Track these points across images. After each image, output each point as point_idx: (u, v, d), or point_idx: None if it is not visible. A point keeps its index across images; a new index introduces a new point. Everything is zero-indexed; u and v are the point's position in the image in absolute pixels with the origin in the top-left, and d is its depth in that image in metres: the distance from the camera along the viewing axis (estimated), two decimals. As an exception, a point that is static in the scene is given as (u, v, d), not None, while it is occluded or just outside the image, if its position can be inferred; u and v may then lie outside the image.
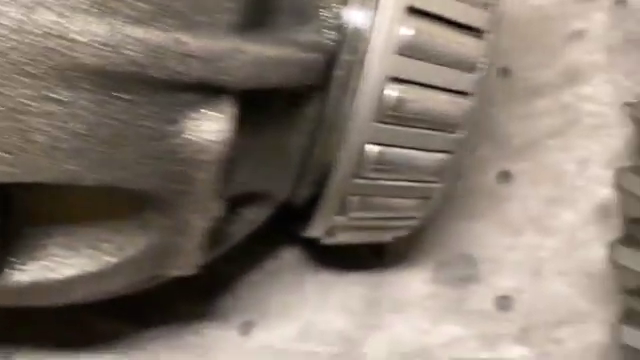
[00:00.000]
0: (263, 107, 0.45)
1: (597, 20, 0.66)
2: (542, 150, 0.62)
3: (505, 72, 0.65)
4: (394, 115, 0.46)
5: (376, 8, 0.45)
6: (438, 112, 0.46)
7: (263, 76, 0.42)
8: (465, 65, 0.46)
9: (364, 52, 0.45)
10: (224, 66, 0.40)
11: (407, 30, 0.44)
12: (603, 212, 0.59)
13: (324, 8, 0.46)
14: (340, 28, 0.46)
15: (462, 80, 0.46)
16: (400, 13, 0.44)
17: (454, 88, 0.46)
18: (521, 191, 0.61)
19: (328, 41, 0.46)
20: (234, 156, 0.45)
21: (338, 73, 0.46)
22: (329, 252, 0.58)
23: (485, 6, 0.47)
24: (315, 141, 0.48)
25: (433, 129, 0.47)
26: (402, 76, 0.45)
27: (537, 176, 0.61)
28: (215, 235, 0.48)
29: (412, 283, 0.59)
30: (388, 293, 0.59)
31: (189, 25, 0.39)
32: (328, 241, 0.54)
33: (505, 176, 0.61)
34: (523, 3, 0.68)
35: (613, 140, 0.61)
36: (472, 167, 0.62)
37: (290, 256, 0.60)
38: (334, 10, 0.46)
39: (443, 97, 0.46)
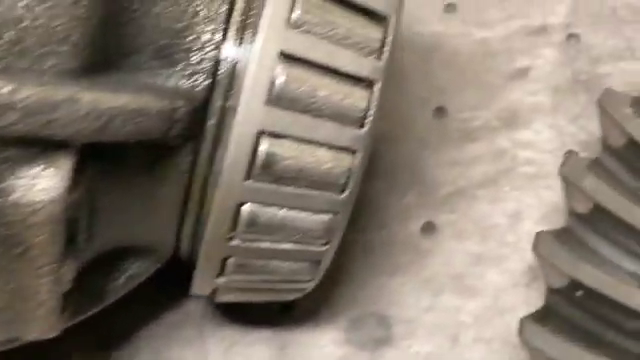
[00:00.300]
0: (125, 158, 0.40)
1: (545, 57, 0.61)
2: (471, 201, 0.56)
3: (440, 112, 0.60)
4: (267, 172, 0.41)
5: (250, 51, 0.40)
6: (318, 170, 0.41)
7: (106, 129, 0.37)
8: (350, 119, 0.41)
9: (236, 100, 0.40)
10: (53, 119, 0.35)
11: (279, 77, 0.39)
12: (533, 274, 0.53)
13: (195, 50, 0.41)
14: (213, 72, 0.41)
15: (346, 135, 0.41)
16: (271, 58, 0.39)
17: (337, 144, 0.41)
18: (445, 245, 0.55)
19: (199, 87, 0.41)
20: (89, 211, 0.40)
21: (210, 122, 0.41)
22: (235, 305, 0.53)
23: (376, 53, 0.41)
24: (189, 195, 0.43)
25: (313, 188, 0.42)
26: (274, 129, 0.40)
27: (463, 229, 0.55)
28: (82, 293, 0.44)
29: (322, 344, 0.54)
30: (296, 354, 0.54)
31: (9, 72, 0.34)
32: (217, 300, 0.49)
33: (430, 228, 0.56)
34: (466, 36, 0.62)
35: (550, 193, 0.55)
36: (396, 216, 0.56)
37: (194, 308, 0.55)
38: (207, 51, 0.41)
39: (324, 154, 0.41)
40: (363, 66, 0.41)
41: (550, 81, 0.60)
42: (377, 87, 0.41)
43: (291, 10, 0.40)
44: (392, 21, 0.42)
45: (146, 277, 0.48)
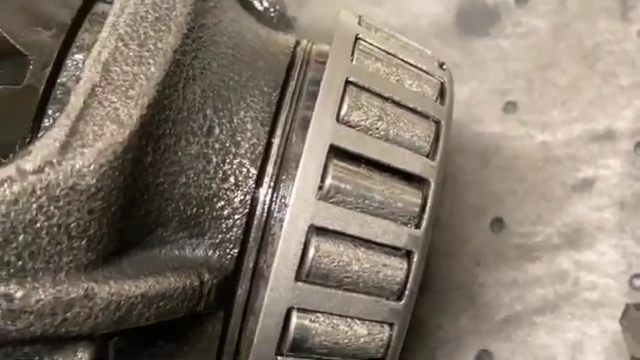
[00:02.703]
0: (150, 332, 0.39)
1: (610, 167, 0.57)
2: (528, 328, 0.53)
3: (497, 224, 0.57)
4: (299, 347, 0.38)
5: (280, 221, 0.38)
6: (354, 346, 0.39)
7: (126, 318, 0.35)
8: (387, 291, 0.39)
9: (266, 273, 0.38)
10: (68, 317, 0.34)
11: (309, 251, 0.37)
12: (594, 414, 0.50)
13: (225, 218, 0.39)
14: (243, 241, 0.39)
15: (384, 308, 0.39)
16: (301, 232, 0.37)
17: (373, 318, 0.39)
18: (501, 378, 0.52)
19: (228, 256, 0.39)
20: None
21: (240, 292, 0.40)
22: None
23: (414, 220, 0.39)
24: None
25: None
26: (306, 306, 0.38)
27: (520, 361, 0.52)
28: None
29: None
30: None
31: (23, 274, 0.33)
32: None
33: (485, 356, 0.53)
34: (526, 138, 0.59)
35: (613, 324, 0.51)
36: (449, 341, 0.54)
37: None
38: (237, 218, 0.39)
39: (359, 328, 0.39)
40: (400, 236, 0.39)
41: (616, 195, 0.56)
42: (416, 257, 0.39)
43: (322, 178, 0.37)
44: (433, 185, 0.39)
45: None
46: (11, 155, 0.35)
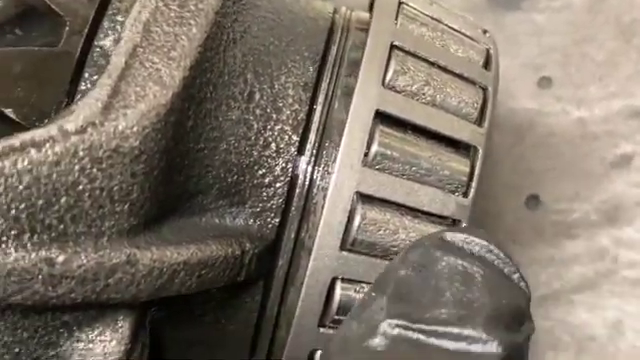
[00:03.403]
0: (190, 301, 0.38)
1: (650, 142, 0.56)
2: (566, 307, 0.52)
3: (533, 201, 0.55)
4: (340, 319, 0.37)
5: (324, 189, 0.37)
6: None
7: (168, 286, 0.34)
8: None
9: (309, 243, 0.37)
10: (110, 283, 0.33)
11: (355, 220, 0.36)
12: (635, 394, 0.49)
13: (266, 186, 0.38)
14: (284, 210, 0.38)
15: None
16: (346, 200, 0.36)
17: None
18: (538, 357, 0.51)
19: (269, 226, 0.38)
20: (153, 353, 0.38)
21: (281, 262, 0.38)
22: None
23: (462, 189, 0.38)
24: (259, 334, 0.40)
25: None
26: (351, 276, 0.37)
27: (559, 340, 0.51)
28: None
29: None
30: None
31: (64, 239, 0.32)
32: None
33: (521, 335, 0.52)
34: (562, 114, 0.58)
35: (655, 302, 0.50)
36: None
37: None
38: (278, 186, 0.38)
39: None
40: (447, 205, 0.37)
41: (656, 171, 0.54)
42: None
43: (368, 145, 0.36)
44: (481, 153, 0.38)
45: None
46: (46, 119, 0.34)
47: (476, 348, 0.29)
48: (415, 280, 0.31)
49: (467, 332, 0.29)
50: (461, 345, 0.29)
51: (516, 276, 0.32)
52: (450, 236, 0.32)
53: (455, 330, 0.29)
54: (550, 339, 0.51)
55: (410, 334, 0.29)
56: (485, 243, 0.31)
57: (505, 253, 0.31)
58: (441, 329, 0.29)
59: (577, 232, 0.53)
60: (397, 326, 0.30)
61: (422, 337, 0.29)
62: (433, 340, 0.29)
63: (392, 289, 0.31)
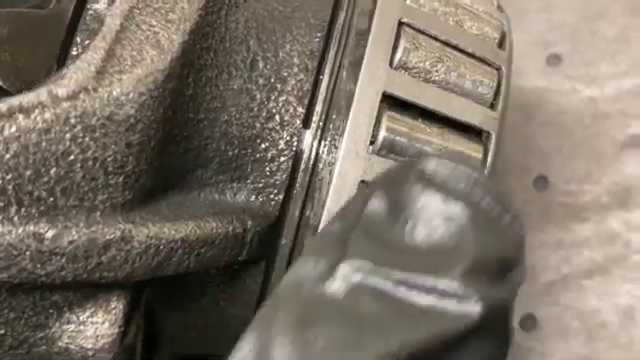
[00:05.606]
0: (187, 281, 0.36)
1: (663, 123, 0.54)
2: (576, 292, 0.50)
3: (542, 182, 0.53)
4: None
5: (330, 166, 0.35)
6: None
7: (164, 265, 0.32)
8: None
9: (314, 221, 0.35)
10: (103, 261, 0.30)
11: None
12: (648, 382, 0.47)
13: (269, 161, 0.36)
14: (288, 186, 0.36)
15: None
16: (353, 183, 0.34)
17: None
18: (547, 344, 0.49)
19: (272, 203, 0.36)
20: (147, 337, 0.36)
21: (284, 241, 0.36)
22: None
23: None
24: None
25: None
26: (359, 257, 0.35)
27: (568, 326, 0.49)
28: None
29: None
30: None
31: (55, 213, 0.30)
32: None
33: (530, 322, 0.50)
34: (572, 93, 0.55)
35: (668, 287, 0.49)
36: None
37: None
38: (282, 161, 0.36)
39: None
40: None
41: (669, 151, 0.52)
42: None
43: (375, 131, 0.34)
44: (494, 138, 0.36)
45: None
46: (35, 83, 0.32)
47: (451, 305, 0.25)
48: (387, 217, 0.27)
49: (442, 284, 0.25)
50: (434, 300, 0.25)
51: (506, 218, 0.27)
52: (433, 166, 0.27)
53: (429, 281, 0.25)
54: (559, 326, 0.49)
55: (375, 281, 0.26)
56: (472, 172, 0.27)
57: (495, 190, 0.27)
58: (412, 279, 0.26)
59: (587, 215, 0.51)
60: (360, 270, 0.26)
61: (389, 287, 0.25)
62: (402, 291, 0.25)
63: (359, 224, 0.27)
